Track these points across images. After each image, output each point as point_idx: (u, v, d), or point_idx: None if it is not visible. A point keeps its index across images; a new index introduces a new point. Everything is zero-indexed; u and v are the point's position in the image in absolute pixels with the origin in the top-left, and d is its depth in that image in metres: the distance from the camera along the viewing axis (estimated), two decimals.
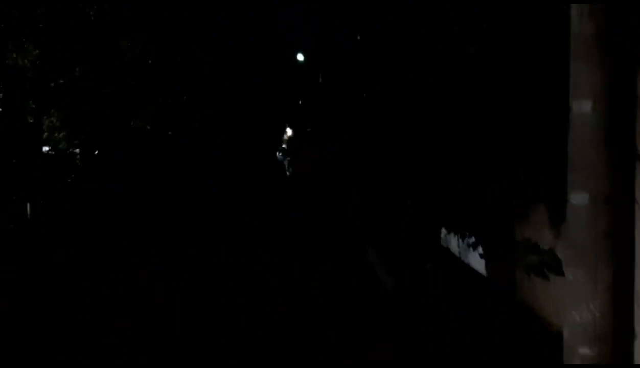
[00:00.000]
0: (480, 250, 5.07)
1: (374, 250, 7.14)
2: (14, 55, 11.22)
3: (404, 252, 6.32)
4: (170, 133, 19.23)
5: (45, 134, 14.51)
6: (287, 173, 26.85)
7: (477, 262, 5.66)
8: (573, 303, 2.06)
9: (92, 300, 5.27)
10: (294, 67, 20.76)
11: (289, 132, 31.13)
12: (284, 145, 32.69)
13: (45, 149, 14.73)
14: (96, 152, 15.54)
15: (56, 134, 15.08)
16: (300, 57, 19.38)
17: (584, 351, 2.02)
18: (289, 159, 28.86)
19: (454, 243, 6.59)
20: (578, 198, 2.05)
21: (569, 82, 2.14)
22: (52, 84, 12.41)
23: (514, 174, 4.28)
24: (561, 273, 3.24)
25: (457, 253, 6.57)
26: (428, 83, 4.95)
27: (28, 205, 10.67)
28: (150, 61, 14.38)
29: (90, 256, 7.44)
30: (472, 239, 5.07)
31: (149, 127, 17.63)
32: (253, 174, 22.06)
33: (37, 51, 11.40)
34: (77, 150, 15.71)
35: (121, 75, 13.50)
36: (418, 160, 5.83)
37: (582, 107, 2.04)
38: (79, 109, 13.50)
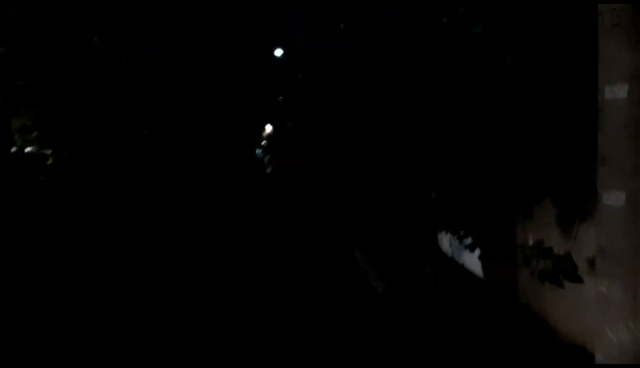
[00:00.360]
0: (477, 251, 4.93)
1: (362, 252, 7.02)
2: None
3: (403, 252, 6.32)
4: (169, 133, 19.24)
5: (16, 135, 14.32)
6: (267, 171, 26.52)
7: (472, 262, 5.54)
8: (607, 321, 1.74)
9: (92, 300, 5.27)
10: (284, 63, 20.72)
11: (268, 128, 30.76)
12: (262, 143, 32.23)
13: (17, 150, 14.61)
14: (66, 153, 15.32)
15: (27, 135, 14.89)
16: (278, 52, 19.25)
17: None
18: (268, 156, 28.53)
19: (445, 242, 6.54)
20: (612, 198, 1.73)
21: (592, 63, 1.84)
22: (21, 83, 12.22)
23: (515, 168, 4.20)
24: (578, 280, 3.09)
25: (449, 253, 6.51)
26: (428, 83, 4.95)
27: None
28: (149, 61, 14.36)
29: (90, 256, 7.43)
30: (470, 240, 4.92)
31: (149, 127, 17.63)
32: (247, 172, 22.07)
33: (2, 49, 11.18)
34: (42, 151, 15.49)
35: (120, 75, 13.50)
36: (418, 160, 5.82)
37: (616, 91, 1.72)
38: (52, 108, 13.32)
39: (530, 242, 3.79)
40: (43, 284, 5.96)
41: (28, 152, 15.78)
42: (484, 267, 5.31)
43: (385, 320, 4.67)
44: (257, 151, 31.17)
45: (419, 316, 4.60)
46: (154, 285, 5.86)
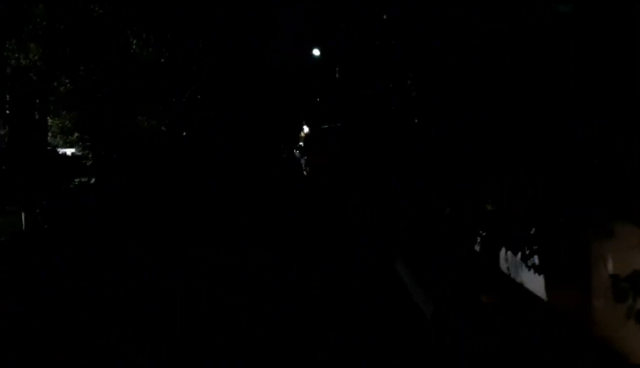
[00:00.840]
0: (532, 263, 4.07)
1: (406, 266, 6.03)
2: (16, 55, 11.11)
3: (403, 252, 6.32)
4: (170, 133, 19.23)
5: (58, 136, 14.44)
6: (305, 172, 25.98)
7: (533, 282, 4.42)
8: None
9: (92, 300, 5.27)
10: (289, 60, 20.66)
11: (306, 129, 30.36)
12: (300, 143, 31.66)
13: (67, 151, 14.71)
14: (102, 153, 15.34)
15: (69, 136, 14.98)
16: (316, 52, 18.82)
17: None
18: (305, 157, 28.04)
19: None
20: None
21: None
22: (55, 84, 12.32)
23: (515, 168, 4.03)
24: None
25: (504, 269, 5.28)
26: (428, 83, 4.95)
27: (22, 214, 9.71)
28: (150, 62, 14.38)
29: (90, 256, 7.43)
30: (532, 258, 4.05)
31: (149, 128, 17.62)
32: (255, 173, 21.97)
33: (39, 50, 11.27)
34: (83, 152, 15.54)
35: (122, 76, 13.51)
36: (418, 160, 5.82)
37: None
38: (83, 109, 13.45)
39: (610, 266, 3.25)
40: (43, 284, 5.96)
41: (73, 153, 15.85)
42: (547, 290, 4.36)
43: (385, 321, 4.67)
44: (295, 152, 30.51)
45: (420, 316, 4.59)
46: (154, 285, 5.86)
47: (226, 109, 21.16)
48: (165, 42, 14.86)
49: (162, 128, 18.23)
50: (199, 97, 18.39)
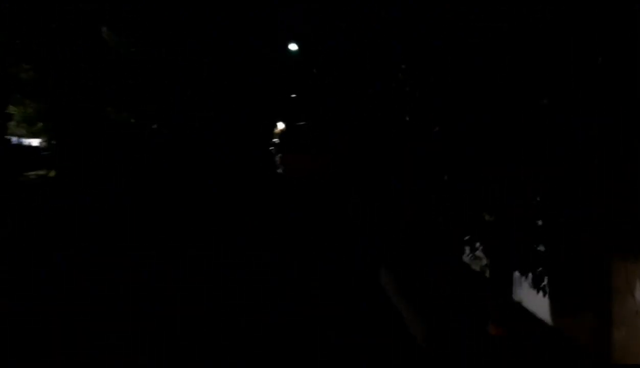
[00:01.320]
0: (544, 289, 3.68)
1: (391, 273, 5.65)
2: None
3: (403, 252, 6.32)
4: (170, 133, 19.24)
5: (21, 126, 14.01)
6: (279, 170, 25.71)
7: (534, 302, 4.15)
8: None
9: (92, 300, 5.27)
10: (287, 59, 20.55)
11: (280, 126, 29.91)
12: (275, 140, 31.27)
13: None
14: (67, 145, 14.73)
15: (32, 126, 14.54)
16: (293, 46, 18.49)
17: None
18: (280, 155, 27.68)
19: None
20: None
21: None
22: (16, 70, 12.00)
23: (515, 168, 4.00)
24: None
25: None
26: (428, 82, 4.95)
27: None
28: (129, 57, 14.27)
29: (90, 256, 7.43)
30: (541, 279, 3.66)
31: (148, 127, 17.62)
32: (256, 173, 21.97)
33: None
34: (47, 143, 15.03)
35: (121, 75, 13.50)
36: (418, 160, 5.82)
37: None
38: (46, 98, 13.08)
39: (638, 296, 3.16)
40: (43, 284, 5.96)
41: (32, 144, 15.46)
42: (554, 313, 4.02)
43: (386, 321, 4.67)
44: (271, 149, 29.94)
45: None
46: (154, 285, 5.86)
47: (226, 109, 21.17)
48: (165, 42, 14.86)
49: (162, 128, 18.22)
50: (198, 97, 18.40)
